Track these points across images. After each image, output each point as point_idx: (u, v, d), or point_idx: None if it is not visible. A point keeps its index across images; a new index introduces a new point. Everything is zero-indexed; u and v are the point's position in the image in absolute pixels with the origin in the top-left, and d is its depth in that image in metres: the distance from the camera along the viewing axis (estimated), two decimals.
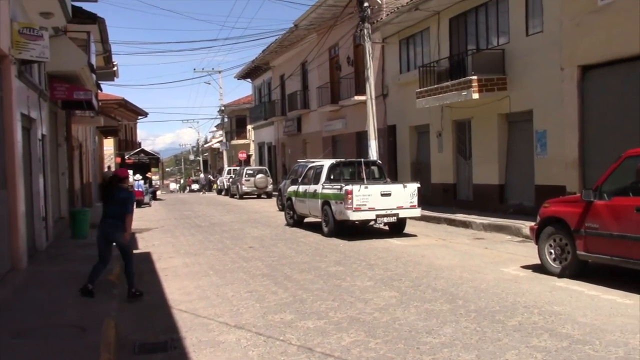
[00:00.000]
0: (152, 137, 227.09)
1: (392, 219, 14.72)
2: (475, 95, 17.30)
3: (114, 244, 8.66)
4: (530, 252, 10.90)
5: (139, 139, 58.38)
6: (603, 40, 13.78)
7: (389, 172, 21.97)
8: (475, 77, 17.27)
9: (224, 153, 57.05)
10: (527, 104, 16.76)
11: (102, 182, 8.79)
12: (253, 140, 52.31)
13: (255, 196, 35.02)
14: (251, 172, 35.60)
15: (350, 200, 14.17)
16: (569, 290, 8.33)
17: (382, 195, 14.45)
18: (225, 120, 57.95)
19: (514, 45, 17.28)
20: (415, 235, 14.97)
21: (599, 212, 8.49)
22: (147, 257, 12.68)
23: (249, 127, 52.98)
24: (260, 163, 46.93)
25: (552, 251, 9.38)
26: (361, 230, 15.71)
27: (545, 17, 16.02)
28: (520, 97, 17.02)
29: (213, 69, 57.05)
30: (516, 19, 17.16)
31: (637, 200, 8.04)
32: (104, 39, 19.00)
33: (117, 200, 8.51)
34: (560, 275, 9.12)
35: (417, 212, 14.92)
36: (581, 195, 8.83)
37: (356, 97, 26.11)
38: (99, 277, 8.59)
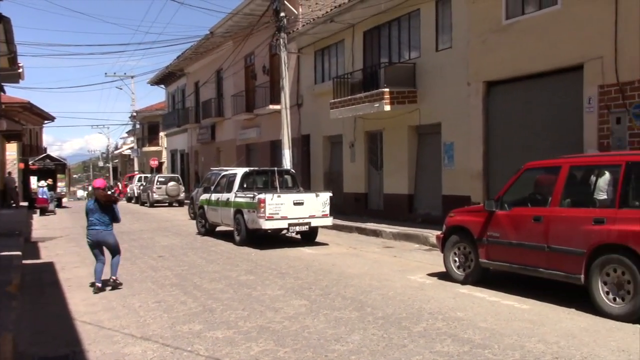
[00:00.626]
0: (59, 142, 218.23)
1: (304, 228, 14.81)
2: (387, 107, 17.71)
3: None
4: (436, 260, 11.24)
5: (44, 144, 55.94)
6: (507, 57, 14.47)
7: (302, 181, 22.12)
8: (387, 90, 17.68)
9: (135, 160, 55.61)
10: (436, 117, 17.32)
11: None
12: (166, 148, 51.32)
13: (166, 204, 34.33)
14: (163, 179, 34.87)
15: (262, 209, 14.15)
16: (471, 296, 8.66)
17: (295, 204, 14.52)
18: (137, 126, 56.57)
19: (424, 59, 17.84)
20: (326, 244, 15.12)
21: (500, 222, 8.88)
22: (49, 268, 12.17)
23: (162, 134, 51.93)
24: (173, 171, 46.09)
25: (457, 259, 9.72)
26: (273, 239, 15.71)
27: (454, 34, 16.64)
28: (430, 110, 17.57)
29: (125, 73, 55.41)
30: (427, 35, 17.74)
31: (534, 211, 8.47)
32: (9, 40, 18.17)
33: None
34: (464, 282, 9.47)
35: (329, 221, 15.09)
36: (484, 206, 9.22)
37: (271, 106, 26.15)
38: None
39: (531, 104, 14.15)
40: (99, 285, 9.51)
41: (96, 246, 9.72)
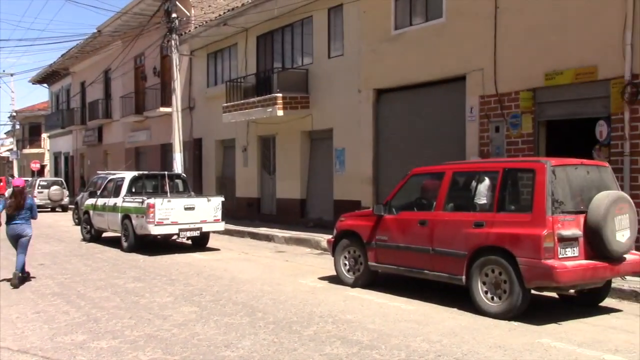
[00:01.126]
0: None
1: (195, 233, 14.57)
2: (280, 112, 17.80)
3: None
4: (327, 264, 11.39)
5: None
6: (395, 66, 14.96)
7: (194, 185, 21.76)
8: (280, 95, 17.77)
9: (15, 162, 52.51)
10: (328, 123, 17.60)
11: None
12: (48, 150, 48.81)
13: (49, 209, 32.59)
14: (45, 183, 33.04)
15: (152, 214, 13.78)
16: (360, 299, 8.85)
17: (186, 209, 14.26)
18: (17, 127, 53.45)
19: (317, 66, 18.09)
20: (218, 250, 14.95)
21: (388, 226, 9.15)
22: None
23: (44, 135, 49.36)
24: (56, 174, 43.84)
25: (347, 263, 9.91)
26: (163, 245, 15.33)
27: (345, 42, 16.99)
28: (322, 116, 17.83)
29: (4, 71, 52.34)
30: (319, 42, 17.99)
31: (420, 215, 8.80)
32: None
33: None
34: (354, 285, 9.67)
35: (221, 226, 14.94)
36: (373, 210, 9.46)
37: (162, 109, 25.56)
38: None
39: (418, 111, 14.70)
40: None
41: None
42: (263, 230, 17.55)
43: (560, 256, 7.21)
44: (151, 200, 13.94)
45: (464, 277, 7.98)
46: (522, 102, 12.10)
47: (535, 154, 11.86)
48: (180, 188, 16.57)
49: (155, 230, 13.91)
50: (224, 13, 20.90)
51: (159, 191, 16.04)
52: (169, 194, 15.62)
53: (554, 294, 8.51)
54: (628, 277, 8.22)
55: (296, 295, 9.16)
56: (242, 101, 19.59)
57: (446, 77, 13.75)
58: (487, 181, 8.51)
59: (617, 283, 8.59)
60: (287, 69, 19.03)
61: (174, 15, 20.38)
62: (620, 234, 7.43)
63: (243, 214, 21.39)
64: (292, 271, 11.51)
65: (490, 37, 12.65)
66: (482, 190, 8.56)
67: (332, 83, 17.35)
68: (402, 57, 14.81)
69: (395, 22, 15.19)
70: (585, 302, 8.31)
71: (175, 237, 14.74)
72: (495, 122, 12.68)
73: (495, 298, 7.67)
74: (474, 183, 8.65)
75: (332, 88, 17.38)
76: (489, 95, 12.76)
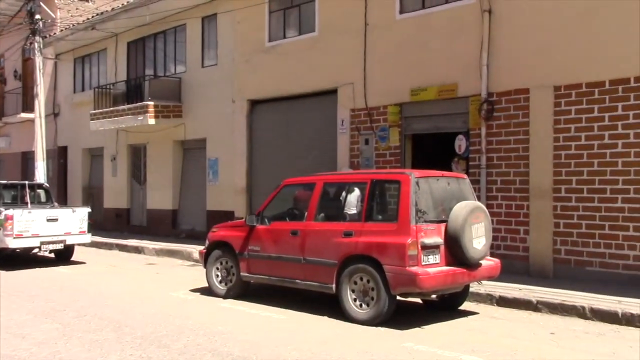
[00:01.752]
0: None
1: (59, 246, 13.83)
2: (152, 121, 17.37)
3: None
4: (199, 276, 11.22)
5: None
6: (270, 78, 15.10)
7: (58, 196, 20.70)
8: (151, 103, 17.35)
9: None
10: (201, 132, 17.41)
11: None
12: None
13: None
14: None
15: (10, 227, 12.93)
16: (232, 310, 8.82)
17: (48, 220, 13.51)
18: None
19: (190, 74, 17.86)
20: (84, 263, 14.29)
21: (260, 236, 9.19)
22: None
23: None
24: None
25: (219, 274, 9.82)
26: (23, 259, 14.41)
27: (219, 51, 16.92)
28: (195, 126, 17.60)
29: None
30: (193, 50, 17.78)
31: (292, 225, 8.92)
32: None
33: None
34: (226, 296, 9.61)
35: (87, 238, 14.28)
36: (245, 220, 9.47)
37: (23, 114, 24.09)
38: None
39: (292, 123, 14.92)
40: None
41: None
42: (133, 242, 16.99)
43: (423, 263, 7.58)
44: (9, 212, 13.07)
45: (334, 285, 8.17)
46: (389, 116, 12.63)
47: (402, 166, 12.42)
48: (43, 198, 15.66)
49: (13, 243, 13.06)
50: (93, 17, 20.13)
51: (18, 202, 15.08)
52: (29, 204, 14.74)
53: (418, 300, 8.91)
54: (484, 282, 8.77)
55: (166, 308, 8.96)
56: (111, 108, 18.91)
57: (319, 90, 14.07)
58: (356, 192, 8.81)
59: (474, 287, 9.15)
60: (160, 76, 18.63)
61: (37, 16, 19.27)
62: (477, 242, 7.94)
63: (112, 225, 20.59)
64: (162, 284, 11.24)
65: (360, 53, 13.10)
66: (352, 201, 8.85)
67: (206, 92, 17.19)
68: (276, 69, 14.98)
69: (269, 34, 15.34)
70: (446, 306, 8.78)
71: (36, 250, 13.92)
72: (365, 135, 13.14)
73: (363, 305, 7.92)
74: (343, 194, 8.91)
75: (205, 97, 17.22)
76: (359, 108, 13.20)
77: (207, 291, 10.02)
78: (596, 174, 9.96)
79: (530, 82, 10.68)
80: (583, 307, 8.31)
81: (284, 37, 15.05)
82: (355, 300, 7.99)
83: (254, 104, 15.89)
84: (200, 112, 17.42)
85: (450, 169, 11.37)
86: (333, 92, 13.77)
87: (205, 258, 10.05)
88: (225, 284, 9.73)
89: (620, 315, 7.96)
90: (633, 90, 9.57)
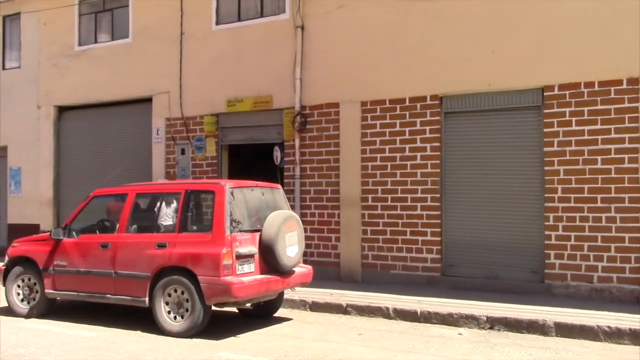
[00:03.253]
0: None
1: None
2: None
3: None
4: None
5: None
6: (80, 83, 14.39)
7: None
8: None
9: None
10: (2, 140, 16.06)
11: None
12: None
13: None
14: None
15: None
16: (35, 330, 8.24)
17: None
18: None
19: None
20: None
21: (67, 250, 8.70)
22: None
23: None
24: None
25: (20, 292, 9.13)
26: None
27: (23, 54, 15.77)
28: None
29: None
30: None
31: (102, 237, 8.57)
32: None
33: None
34: (28, 315, 8.95)
35: None
36: (50, 234, 8.91)
37: None
38: None
39: (105, 131, 14.32)
40: None
41: None
42: None
43: (238, 272, 7.66)
44: None
45: (147, 299, 7.97)
46: (206, 126, 12.61)
47: (218, 176, 12.45)
48: None
49: None
50: None
51: None
52: None
53: (234, 309, 8.98)
54: (297, 288, 9.07)
55: None
56: None
57: (133, 97, 13.67)
58: (170, 202, 8.68)
59: (289, 294, 9.42)
60: None
61: None
62: (290, 250, 8.20)
63: None
64: None
65: (176, 62, 12.96)
66: (166, 212, 8.71)
67: (8, 97, 15.91)
68: (87, 75, 14.30)
69: (79, 38, 14.61)
70: (261, 314, 8.94)
71: None
72: (181, 145, 12.99)
73: (178, 317, 7.81)
74: (157, 204, 8.73)
75: (7, 102, 15.92)
76: (175, 118, 13.03)
77: (7, 311, 9.25)
78: (399, 184, 10.75)
79: (340, 96, 11.26)
80: (387, 308, 8.91)
81: (96, 41, 14.41)
82: (169, 312, 7.86)
83: (63, 110, 15.02)
84: (1, 118, 16.06)
85: (272, 179, 11.59)
86: (148, 100, 13.45)
87: (4, 275, 9.28)
88: (28, 303, 9.06)
89: (419, 313, 8.65)
90: (430, 107, 10.48)
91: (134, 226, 8.50)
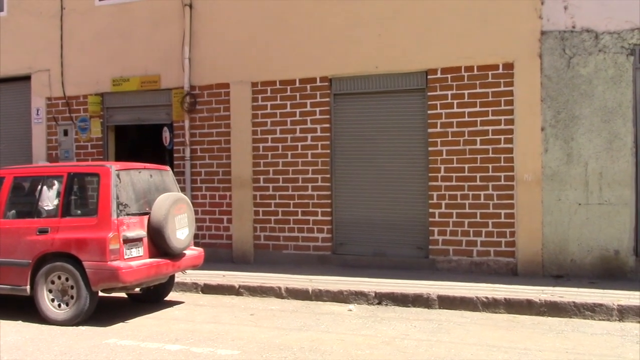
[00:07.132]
0: None
1: None
2: None
3: None
4: None
5: None
6: None
7: None
8: None
9: None
10: None
11: None
12: None
13: None
14: None
15: None
16: None
17: None
18: None
19: None
20: None
21: None
22: None
23: None
24: None
25: None
26: None
27: None
28: None
29: None
30: None
31: None
32: None
33: None
34: None
35: None
36: None
37: None
38: None
39: None
40: None
41: None
42: None
43: (126, 257, 7.48)
44: None
45: (28, 287, 7.63)
46: (90, 107, 12.10)
47: (104, 158, 12.03)
48: None
49: None
50: None
51: None
52: None
53: (123, 294, 8.76)
54: (189, 271, 8.97)
55: None
56: None
57: (9, 75, 12.84)
58: (52, 186, 8.29)
59: (180, 277, 9.31)
60: None
61: None
62: (180, 232, 8.09)
63: None
64: None
65: (56, 38, 12.32)
66: (47, 196, 8.30)
67: None
68: None
69: None
70: (151, 298, 8.79)
71: None
72: (64, 126, 12.42)
73: (62, 305, 7.54)
74: (39, 188, 8.32)
75: None
76: (57, 97, 12.42)
77: None
78: (290, 164, 10.83)
79: (230, 77, 11.15)
80: (279, 288, 9.02)
81: None
82: (53, 300, 7.56)
83: None
84: None
85: (162, 161, 11.32)
86: (27, 78, 12.71)
87: None
88: None
89: (310, 292, 8.82)
90: (319, 88, 10.61)
91: (13, 211, 8.08)
